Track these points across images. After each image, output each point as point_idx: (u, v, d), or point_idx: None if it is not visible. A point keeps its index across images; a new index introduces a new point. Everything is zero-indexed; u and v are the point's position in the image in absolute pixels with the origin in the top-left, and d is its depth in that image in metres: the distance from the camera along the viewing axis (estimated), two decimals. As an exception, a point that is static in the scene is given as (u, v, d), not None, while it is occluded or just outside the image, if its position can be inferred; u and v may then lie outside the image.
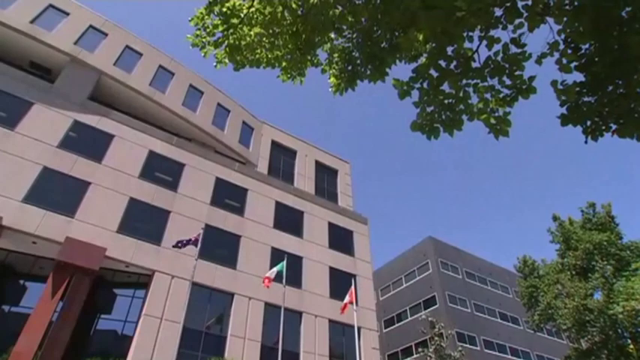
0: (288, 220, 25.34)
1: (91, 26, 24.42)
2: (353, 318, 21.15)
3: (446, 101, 6.28)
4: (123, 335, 18.19)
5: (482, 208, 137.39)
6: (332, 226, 27.05)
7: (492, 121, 6.22)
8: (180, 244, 17.13)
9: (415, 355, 34.46)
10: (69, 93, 21.60)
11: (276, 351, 17.51)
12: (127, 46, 25.29)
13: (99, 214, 18.79)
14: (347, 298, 20.17)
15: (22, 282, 18.60)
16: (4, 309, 17.90)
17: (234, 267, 21.25)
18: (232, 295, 20.25)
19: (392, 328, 40.01)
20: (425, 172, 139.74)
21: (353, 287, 20.64)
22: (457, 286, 38.76)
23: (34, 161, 18.64)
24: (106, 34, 24.82)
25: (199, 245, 17.40)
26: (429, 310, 35.74)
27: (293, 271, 21.91)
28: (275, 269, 18.81)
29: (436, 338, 28.14)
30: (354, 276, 24.90)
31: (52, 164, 19.00)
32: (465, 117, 6.27)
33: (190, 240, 17.42)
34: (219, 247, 21.44)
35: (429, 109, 6.31)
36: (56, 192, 18.55)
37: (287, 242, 23.97)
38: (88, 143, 20.72)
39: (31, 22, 22.21)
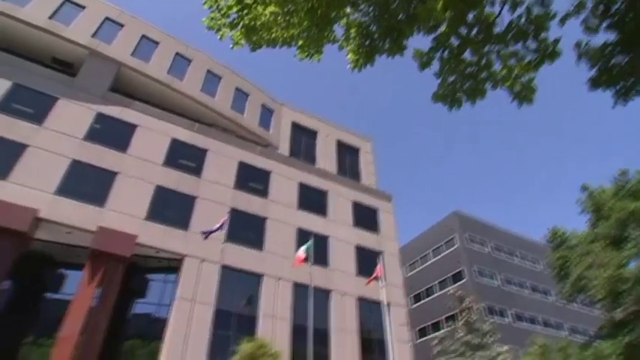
0: (312, 200, 25.48)
1: (107, 18, 24.66)
2: (381, 294, 21.29)
3: (468, 70, 6.10)
4: (158, 318, 18.85)
5: (509, 181, 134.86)
6: (356, 205, 27.07)
7: (517, 88, 6.02)
8: (206, 234, 17.49)
9: (444, 329, 34.58)
10: (90, 86, 22.02)
11: (306, 329, 17.82)
12: (144, 36, 25.48)
13: (127, 203, 19.33)
14: (374, 275, 20.29)
15: (61, 270, 19.43)
16: (46, 296, 18.80)
17: (261, 249, 21.61)
18: (261, 276, 20.66)
19: (420, 303, 40.19)
20: (449, 145, 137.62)
21: (380, 264, 20.71)
22: (485, 260, 38.47)
23: (63, 154, 19.22)
24: (122, 25, 25.03)
25: (226, 228, 17.68)
26: (456, 284, 35.67)
27: (319, 251, 22.08)
28: (303, 249, 19.00)
29: (465, 312, 28.11)
30: (381, 253, 24.97)
31: (80, 157, 19.56)
32: (488, 85, 6.09)
33: (217, 227, 17.77)
34: (246, 229, 21.79)
35: (450, 79, 6.15)
36: (86, 183, 19.13)
37: (312, 222, 24.16)
38: (113, 134, 21.19)
39: (50, 17, 22.57)
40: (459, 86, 6.12)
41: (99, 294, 16.70)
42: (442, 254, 40.19)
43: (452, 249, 39.21)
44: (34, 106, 20.20)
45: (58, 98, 20.88)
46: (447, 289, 35.95)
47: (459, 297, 29.40)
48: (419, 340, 37.59)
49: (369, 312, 22.75)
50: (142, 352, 18.31)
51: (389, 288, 23.10)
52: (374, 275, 20.40)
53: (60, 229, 17.83)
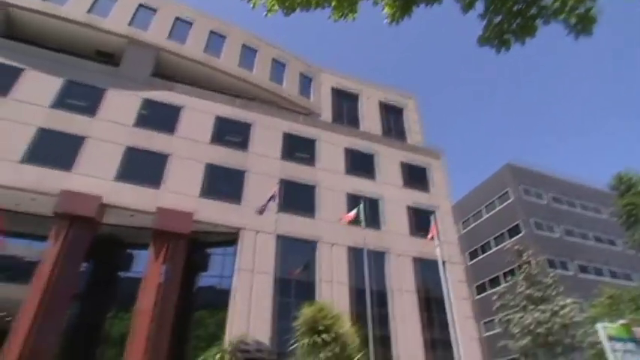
0: (360, 164, 25.36)
1: (140, 5, 25.12)
2: (436, 253, 21.10)
3: (515, 7, 5.65)
4: (222, 289, 19.87)
5: (565, 125, 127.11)
6: (404, 165, 26.66)
7: (573, 20, 5.52)
8: (261, 210, 17.97)
9: (504, 285, 33.97)
10: (133, 73, 22.76)
11: (364, 291, 18.09)
12: (177, 18, 25.79)
13: (181, 183, 20.19)
14: (429, 234, 20.07)
15: (129, 251, 20.85)
16: (119, 275, 20.33)
17: (314, 216, 21.98)
18: (316, 242, 21.11)
19: (477, 259, 39.55)
20: (497, 92, 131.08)
21: (434, 223, 20.41)
22: (543, 212, 36.91)
23: (117, 142, 20.25)
24: (156, 10, 25.42)
25: (277, 199, 18.07)
26: (514, 238, 34.65)
27: (371, 214, 22.08)
28: (353, 212, 19.10)
29: (525, 266, 27.34)
30: (433, 211, 24.58)
31: (132, 143, 20.53)
32: (539, 21, 5.62)
33: (268, 200, 18.20)
34: (297, 198, 22.17)
35: (496, 20, 5.73)
36: (141, 167, 20.11)
37: (361, 186, 24.13)
38: (160, 118, 21.97)
39: (88, 12, 23.31)
40: (507, 26, 5.70)
41: (166, 270, 17.78)
42: (496, 209, 38.99)
43: (506, 203, 37.90)
44: (86, 100, 21.26)
45: (106, 89, 21.80)
46: (503, 244, 35.03)
47: (517, 251, 28.55)
48: (478, 297, 37.23)
49: (426, 271, 22.70)
50: (210, 322, 19.48)
51: (444, 246, 22.81)
52: (430, 235, 20.18)
53: (123, 212, 19.00)
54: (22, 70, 20.96)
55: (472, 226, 41.54)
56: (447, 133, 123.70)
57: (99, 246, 19.04)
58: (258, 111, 24.69)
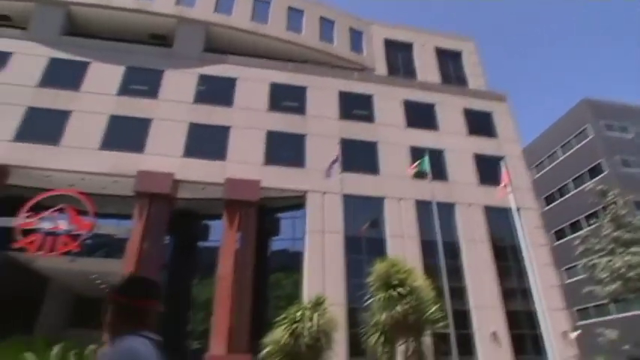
0: (420, 116, 24.49)
1: (184, -18, 25.31)
2: (509, 200, 20.15)
3: None
4: (294, 252, 20.56)
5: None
6: (467, 112, 25.34)
7: None
8: (328, 174, 18.05)
9: (586, 228, 31.92)
10: (187, 52, 23.32)
11: (434, 244, 17.82)
12: (219, -10, 25.77)
13: (245, 153, 20.77)
14: (501, 182, 19.14)
15: (205, 222, 22.06)
16: (198, 245, 21.68)
17: (378, 173, 21.78)
18: (382, 199, 21.01)
19: (554, 204, 37.38)
20: (564, 22, 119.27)
21: (503, 169, 19.40)
22: (629, 148, 33.66)
23: (180, 120, 21.12)
24: (197, -15, 25.51)
25: (340, 159, 18.03)
26: (595, 179, 32.14)
27: (437, 165, 21.39)
28: (417, 164, 18.63)
29: (610, 207, 25.35)
30: (502, 158, 23.36)
31: (194, 119, 21.34)
32: None
33: (333, 162, 18.22)
34: (359, 157, 21.99)
35: None
36: (205, 141, 20.91)
37: (424, 138, 23.37)
38: (217, 92, 22.51)
39: (136, -2, 23.96)
40: None
41: (240, 237, 18.67)
42: (573, 149, 36.21)
43: (585, 141, 35.03)
44: (147, 83, 22.25)
45: (164, 70, 22.61)
46: (584, 186, 32.71)
47: (600, 191, 26.47)
48: (557, 243, 35.42)
49: (499, 219, 21.84)
50: (286, 283, 20.34)
51: (517, 192, 21.67)
52: (502, 184, 19.23)
53: (195, 186, 20.01)
54: (88, 63, 22.24)
55: (547, 169, 39.09)
56: (511, 77, 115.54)
57: (177, 220, 20.35)
58: (312, 73, 24.42)
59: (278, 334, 13.24)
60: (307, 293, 16.74)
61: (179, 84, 22.30)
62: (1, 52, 21.66)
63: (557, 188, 37.22)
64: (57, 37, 22.86)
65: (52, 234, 17.97)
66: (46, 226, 18.09)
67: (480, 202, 21.99)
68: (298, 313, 13.54)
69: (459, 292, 19.39)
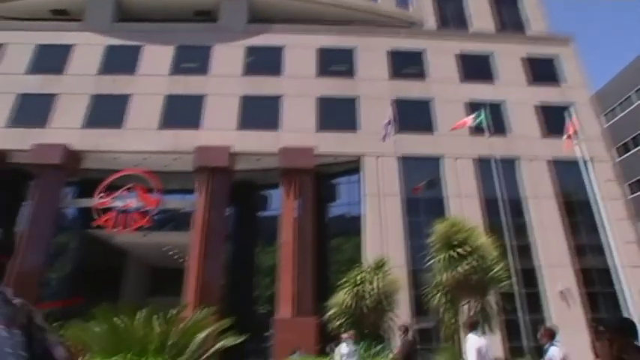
0: (476, 68, 23.14)
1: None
2: (576, 152, 18.84)
3: None
4: (352, 216, 20.73)
5: None
6: (527, 60, 23.54)
7: None
8: (383, 137, 17.76)
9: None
10: (232, 25, 23.47)
11: (496, 202, 17.19)
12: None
13: (297, 120, 20.91)
14: (566, 133, 17.87)
15: (263, 192, 22.74)
16: (258, 215, 22.45)
17: (433, 132, 21.14)
18: (439, 158, 20.46)
19: (629, 154, 34.50)
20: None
21: (569, 119, 18.06)
22: None
23: (232, 94, 21.54)
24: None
25: (393, 120, 17.63)
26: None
27: (495, 120, 20.25)
28: (471, 118, 17.72)
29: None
30: (568, 106, 21.73)
31: (245, 91, 21.69)
32: None
33: (388, 123, 17.86)
34: (413, 116, 21.33)
35: None
36: (258, 113, 21.28)
37: (481, 92, 22.13)
38: (264, 62, 22.64)
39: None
40: None
41: (298, 205, 19.09)
42: (650, 92, 32.90)
43: (665, 82, 31.67)
44: (196, 60, 22.79)
45: (211, 46, 22.99)
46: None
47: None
48: (633, 195, 32.90)
49: (566, 173, 20.55)
50: (346, 247, 20.67)
51: (585, 143, 20.22)
52: (567, 135, 17.94)
53: (250, 158, 20.57)
54: (140, 47, 23.07)
55: (619, 116, 35.95)
56: (576, 18, 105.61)
57: (237, 191, 21.12)
58: (358, 34, 23.70)
59: (341, 297, 13.62)
60: (368, 256, 16.90)
61: (227, 58, 22.61)
62: (64, 45, 22.95)
63: (631, 137, 34.23)
64: (110, 24, 23.81)
65: (125, 212, 19.37)
66: (119, 204, 19.50)
67: (544, 155, 20.78)
68: (360, 276, 13.80)
69: (524, 250, 18.75)
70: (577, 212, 20.22)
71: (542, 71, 23.32)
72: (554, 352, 6.34)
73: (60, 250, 21.71)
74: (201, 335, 6.22)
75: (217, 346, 6.65)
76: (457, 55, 23.35)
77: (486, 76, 23.03)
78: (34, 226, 18.55)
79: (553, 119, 21.16)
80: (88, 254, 22.27)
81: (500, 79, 22.91)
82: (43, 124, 20.76)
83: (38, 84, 21.85)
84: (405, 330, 9.65)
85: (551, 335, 6.89)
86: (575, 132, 17.95)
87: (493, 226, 17.71)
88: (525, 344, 13.51)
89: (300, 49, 22.89)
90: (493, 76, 23.06)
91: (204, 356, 6.26)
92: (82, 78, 22.11)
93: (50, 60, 22.58)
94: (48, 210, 19.14)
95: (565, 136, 18.04)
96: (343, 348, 9.82)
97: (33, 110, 21.08)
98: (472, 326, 7.31)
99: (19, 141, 20.06)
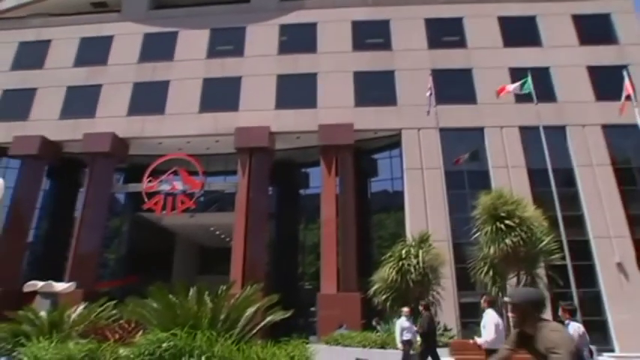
0: (520, 32, 21.82)
1: None
2: (635, 116, 17.55)
3: None
4: (394, 191, 20.55)
5: None
6: (577, 18, 21.87)
7: None
8: (428, 110, 17.28)
9: None
10: (264, 4, 23.33)
11: (545, 172, 16.42)
12: None
13: (335, 97, 20.72)
14: (623, 95, 16.58)
15: (304, 170, 22.93)
16: (300, 193, 22.70)
17: (475, 101, 20.33)
18: (481, 129, 19.72)
19: (693, 114, 31.84)
20: None
21: (627, 79, 16.72)
22: None
23: (268, 73, 21.57)
24: None
25: (433, 92, 17.04)
26: None
27: (542, 86, 19.09)
28: (515, 85, 16.73)
29: None
30: (625, 66, 20.15)
31: (281, 70, 21.64)
32: None
33: (429, 95, 17.32)
34: (453, 87, 20.54)
35: None
36: (295, 91, 21.24)
37: (525, 57, 20.83)
38: (299, 39, 22.46)
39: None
40: None
41: (339, 182, 19.11)
42: None
43: None
44: (231, 42, 22.90)
45: (245, 26, 22.98)
46: None
47: None
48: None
49: (623, 139, 19.29)
50: (389, 222, 20.61)
51: (646, 105, 18.82)
52: (624, 97, 16.66)
53: (290, 137, 20.68)
54: (176, 33, 23.41)
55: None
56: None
57: (278, 171, 21.42)
58: (394, 3, 22.84)
59: (385, 272, 13.65)
60: (410, 231, 16.74)
61: (262, 38, 22.56)
62: (105, 36, 23.70)
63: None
64: (145, 12, 24.26)
65: (171, 194, 20.14)
66: (165, 188, 20.27)
67: (597, 120, 19.57)
68: (403, 251, 13.73)
69: (575, 222, 17.96)
70: (635, 180, 19.08)
71: (594, 29, 21.71)
72: (572, 327, 6.27)
73: (114, 233, 23.00)
74: (251, 310, 6.42)
75: (266, 320, 6.85)
76: (499, 18, 22.08)
77: (531, 39, 21.68)
78: (90, 212, 19.64)
79: (607, 82, 19.74)
80: (140, 236, 23.49)
81: (547, 41, 21.51)
82: (91, 114, 21.71)
83: (84, 76, 22.76)
84: (426, 307, 10.23)
85: (491, 303, 8.12)
86: (634, 93, 16.69)
87: (542, 198, 17.04)
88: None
89: (334, 23, 22.45)
90: (539, 39, 21.68)
91: (254, 331, 6.47)
92: (124, 67, 22.80)
93: (93, 52, 23.41)
94: (101, 196, 20.18)
95: (622, 99, 16.81)
96: (404, 322, 9.89)
97: (81, 101, 22.08)
98: (490, 304, 8.06)
99: (71, 131, 21.13)
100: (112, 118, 21.42)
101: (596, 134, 19.46)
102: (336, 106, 20.31)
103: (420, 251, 13.56)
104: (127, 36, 23.64)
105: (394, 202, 20.09)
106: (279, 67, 21.72)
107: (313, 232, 20.76)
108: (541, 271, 13.17)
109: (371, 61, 21.45)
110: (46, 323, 8.42)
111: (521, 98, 17.84)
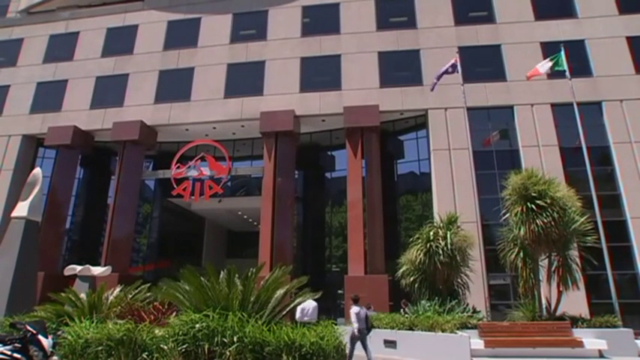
0: (552, 2, 20.85)
1: None
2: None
3: None
4: (421, 173, 20.26)
5: None
6: (616, -16, 20.74)
7: None
8: (434, 85, 16.76)
9: None
10: (286, -15, 22.99)
11: (578, 150, 15.82)
12: None
13: (359, 78, 20.42)
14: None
15: (329, 153, 22.86)
16: (326, 176, 22.69)
17: (504, 79, 19.63)
18: (511, 107, 19.08)
19: None
20: None
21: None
22: None
23: (291, 57, 21.41)
24: None
25: (459, 69, 16.48)
26: None
27: (576, 60, 18.35)
28: (546, 63, 16.02)
29: None
30: (672, 34, 19.03)
31: (304, 53, 21.44)
32: None
33: (442, 71, 16.66)
34: (481, 64, 20.01)
35: None
36: (319, 73, 21.10)
37: (557, 30, 20.00)
38: (322, 20, 22.11)
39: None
40: None
41: (365, 164, 18.98)
42: None
43: None
44: (254, 26, 22.77)
45: (267, 9, 22.76)
46: None
47: None
48: None
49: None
50: (416, 204, 20.39)
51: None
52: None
53: (315, 120, 20.60)
54: (199, 19, 23.46)
55: None
56: None
57: (303, 154, 21.44)
58: (417, -21, 22.20)
59: (412, 254, 13.53)
60: (438, 213, 16.52)
61: (284, 20, 22.36)
62: (130, 25, 24.02)
63: None
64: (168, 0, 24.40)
65: (199, 180, 20.51)
66: (193, 173, 20.65)
67: (637, 95, 18.61)
68: (431, 233, 13.57)
69: (612, 202, 17.36)
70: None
71: (635, -4, 20.49)
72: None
73: (145, 219, 23.68)
74: (281, 292, 6.52)
75: (295, 302, 6.95)
76: (529, -10, 21.13)
77: (565, 10, 20.64)
78: (122, 198, 20.24)
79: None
80: (170, 221, 24.11)
81: (582, 12, 20.43)
82: (119, 103, 22.19)
83: (111, 66, 23.23)
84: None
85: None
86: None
87: (575, 177, 16.49)
88: (614, 301, 12.64)
89: (357, 3, 21.97)
90: (573, 10, 20.62)
91: (284, 312, 6.58)
92: (149, 56, 23.10)
93: (119, 42, 23.81)
94: (131, 182, 20.75)
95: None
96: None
97: (110, 91, 22.59)
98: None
99: (101, 121, 21.73)
100: (140, 106, 21.85)
101: (635, 109, 18.55)
102: (361, 88, 20.06)
103: (448, 233, 13.35)
104: (151, 24, 23.90)
105: (421, 183, 19.84)
106: (303, 49, 21.53)
107: (340, 214, 20.80)
108: (574, 253, 12.78)
109: (395, 40, 20.96)
110: (87, 305, 8.79)
111: (553, 74, 17.09)
